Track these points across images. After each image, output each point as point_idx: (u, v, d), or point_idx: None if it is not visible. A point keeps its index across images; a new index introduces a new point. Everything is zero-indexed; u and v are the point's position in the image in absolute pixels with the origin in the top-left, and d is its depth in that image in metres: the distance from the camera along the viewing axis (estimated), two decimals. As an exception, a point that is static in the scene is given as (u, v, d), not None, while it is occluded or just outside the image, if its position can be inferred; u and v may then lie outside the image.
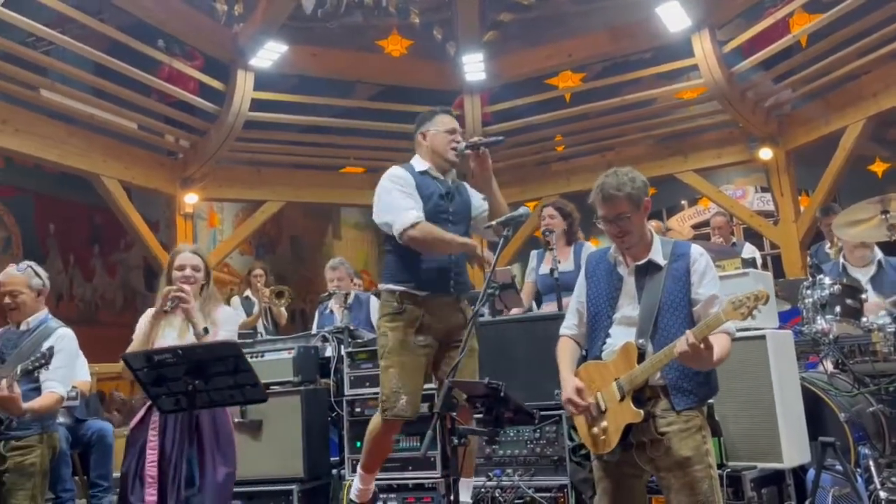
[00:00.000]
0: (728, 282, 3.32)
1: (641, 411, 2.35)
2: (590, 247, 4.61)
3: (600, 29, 8.73)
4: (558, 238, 4.48)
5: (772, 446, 3.30)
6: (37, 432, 3.26)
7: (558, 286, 4.09)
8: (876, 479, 3.35)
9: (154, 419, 3.01)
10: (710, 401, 3.09)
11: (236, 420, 3.75)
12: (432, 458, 3.73)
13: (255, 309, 6.73)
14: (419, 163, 3.25)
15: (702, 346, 2.23)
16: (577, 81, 9.43)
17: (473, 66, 8.72)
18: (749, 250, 6.12)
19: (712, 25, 7.72)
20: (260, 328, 6.71)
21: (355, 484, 3.38)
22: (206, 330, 3.09)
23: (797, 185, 8.53)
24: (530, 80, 9.25)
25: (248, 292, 6.96)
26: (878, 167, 10.51)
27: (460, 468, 2.50)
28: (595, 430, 2.45)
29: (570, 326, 2.70)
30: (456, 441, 2.46)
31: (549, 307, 4.42)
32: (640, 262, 2.53)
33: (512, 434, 3.66)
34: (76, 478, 5.09)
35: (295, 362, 4.32)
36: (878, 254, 4.37)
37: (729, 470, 3.24)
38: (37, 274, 3.52)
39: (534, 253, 4.78)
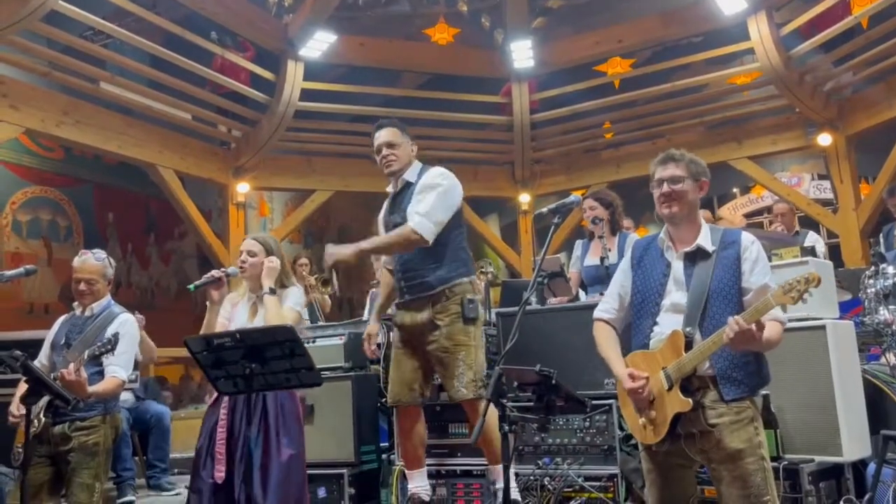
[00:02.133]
0: (786, 270, 3.24)
1: (690, 400, 2.31)
2: (634, 237, 4.55)
3: (651, 13, 8.56)
4: (604, 227, 4.42)
5: (831, 439, 3.21)
6: (100, 413, 3.38)
7: (608, 276, 4.03)
8: (941, 476, 3.23)
9: (226, 400, 3.11)
10: (766, 392, 3.04)
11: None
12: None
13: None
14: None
15: (753, 328, 2.19)
16: (627, 67, 9.28)
17: (522, 54, 8.65)
18: (813, 238, 5.95)
19: (770, 7, 7.49)
20: (305, 315, 6.81)
21: (409, 485, 3.56)
22: (272, 290, 3.26)
23: (857, 172, 8.24)
24: (579, 67, 9.13)
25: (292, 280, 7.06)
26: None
27: (510, 455, 2.50)
28: (643, 420, 2.42)
29: (608, 310, 2.65)
30: (507, 428, 2.46)
31: (594, 298, 4.37)
32: (688, 249, 2.48)
33: (561, 423, 3.65)
34: (136, 458, 5.28)
35: (346, 348, 4.38)
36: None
37: (786, 463, 3.16)
38: (110, 264, 3.66)
39: (579, 242, 4.73)
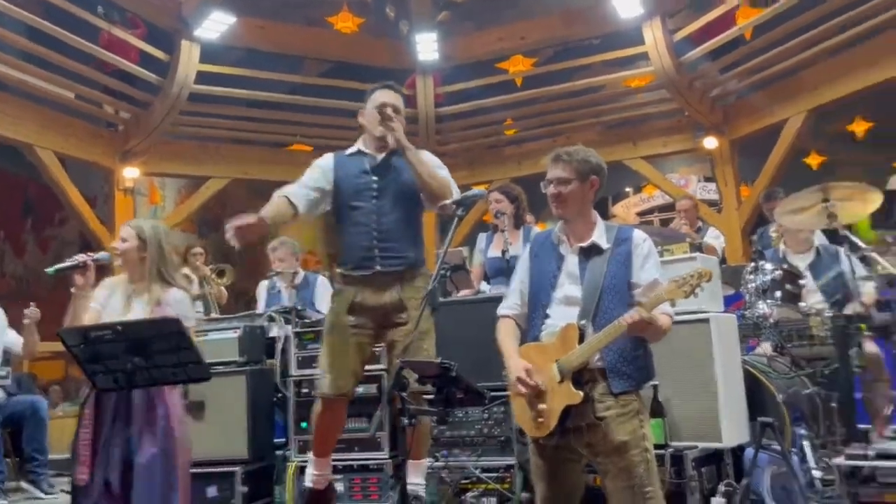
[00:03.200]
0: (676, 265, 3.37)
1: (581, 393, 2.35)
2: (538, 230, 4.63)
3: (553, 12, 8.75)
4: (507, 221, 4.48)
5: (713, 426, 3.38)
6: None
7: (509, 269, 4.09)
8: (810, 459, 3.47)
9: (94, 397, 2.88)
10: (655, 382, 3.17)
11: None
12: (379, 439, 3.70)
13: (194, 288, 6.56)
14: (357, 144, 3.30)
15: (654, 315, 2.28)
16: (529, 66, 9.44)
17: (427, 46, 8.62)
18: (713, 234, 6.31)
19: (664, 14, 7.81)
20: (199, 307, 6.53)
21: (309, 469, 3.34)
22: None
23: (740, 175, 8.75)
24: (483, 62, 9.21)
25: (185, 270, 6.76)
26: (814, 160, 10.85)
27: (409, 449, 2.47)
28: (533, 412, 2.44)
29: (511, 306, 2.68)
30: (406, 421, 2.43)
31: (496, 290, 4.43)
32: (583, 244, 2.55)
33: (460, 415, 3.66)
34: (8, 460, 4.90)
35: (240, 342, 4.23)
36: (818, 240, 4.50)
37: (672, 450, 3.30)
38: None
39: (482, 235, 4.77)
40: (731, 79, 8.15)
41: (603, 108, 9.07)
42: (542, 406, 2.43)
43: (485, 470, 3.57)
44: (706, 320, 3.43)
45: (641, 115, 9.06)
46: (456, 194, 3.13)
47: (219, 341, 4.23)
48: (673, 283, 2.28)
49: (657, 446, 2.82)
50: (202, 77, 7.97)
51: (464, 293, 4.40)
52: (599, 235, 2.55)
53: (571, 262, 2.55)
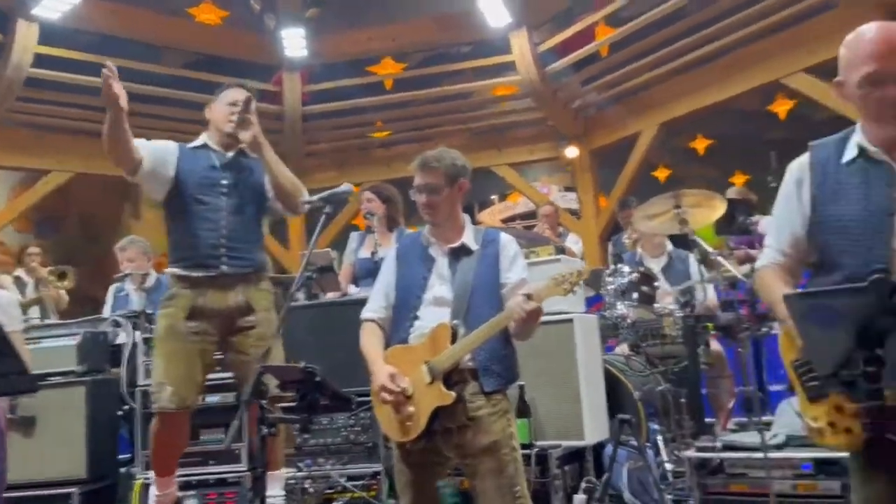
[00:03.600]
0: (541, 267, 3.43)
1: (453, 393, 2.32)
2: (410, 233, 4.58)
3: (425, 16, 8.79)
4: (379, 222, 4.38)
5: (575, 425, 3.47)
6: None
7: (378, 271, 3.99)
8: (663, 453, 3.64)
9: None
10: (522, 382, 3.20)
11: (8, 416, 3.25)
12: (237, 451, 3.48)
13: (29, 291, 5.95)
14: (202, 138, 3.16)
15: (541, 307, 2.27)
16: (399, 69, 9.42)
17: (294, 42, 8.37)
18: (573, 239, 6.60)
19: (530, 25, 8.04)
20: (36, 313, 5.93)
21: (152, 491, 3.07)
22: None
23: (598, 185, 9.18)
24: (354, 62, 9.09)
25: (19, 271, 6.13)
26: (661, 173, 11.60)
27: (268, 461, 2.32)
28: (400, 416, 2.38)
29: (376, 309, 2.61)
30: (266, 431, 2.27)
31: (365, 292, 4.32)
32: (453, 245, 2.53)
33: (325, 422, 3.52)
34: None
35: (79, 349, 3.84)
36: (669, 245, 4.77)
37: (537, 449, 3.34)
38: None
39: (354, 234, 4.65)
40: (590, 91, 8.54)
41: (471, 114, 9.23)
42: (409, 409, 2.36)
43: (351, 478, 3.45)
44: (570, 320, 3.51)
45: (508, 122, 9.29)
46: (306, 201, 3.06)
47: (54, 349, 3.82)
48: (552, 280, 2.29)
49: (523, 446, 2.83)
50: (43, 60, 7.27)
51: (331, 296, 4.25)
52: (469, 237, 2.55)
53: (442, 263, 2.53)
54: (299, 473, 3.43)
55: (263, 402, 2.33)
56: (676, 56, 7.54)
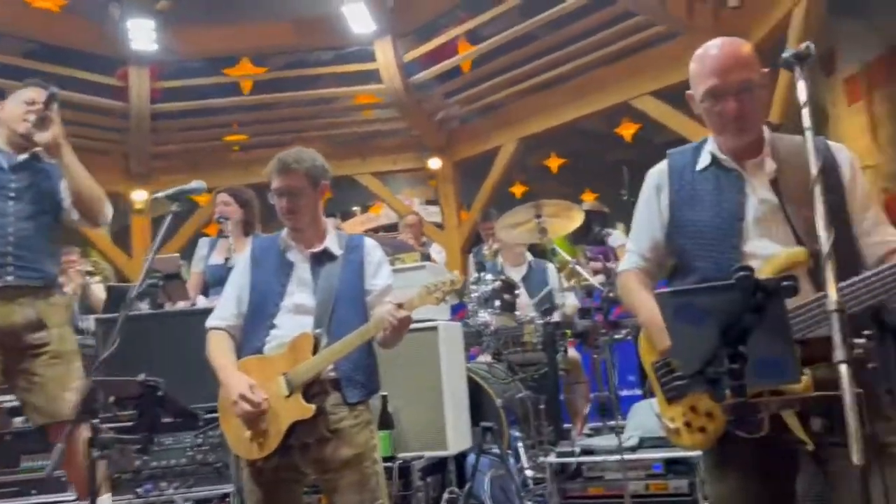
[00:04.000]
0: (407, 274, 3.36)
1: (313, 406, 2.18)
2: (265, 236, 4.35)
3: (286, 18, 8.51)
4: (234, 226, 4.13)
5: (439, 435, 3.40)
6: None
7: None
8: (524, 460, 3.67)
9: None
10: (384, 393, 3.10)
11: None
12: (63, 479, 3.11)
13: None
14: None
15: (412, 315, 2.19)
16: (259, 71, 9.06)
17: (142, 35, 7.78)
18: (436, 249, 6.63)
19: (395, 34, 8.01)
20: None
21: None
22: None
23: (461, 197, 9.31)
24: (211, 60, 8.63)
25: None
26: (518, 189, 12.00)
27: (99, 486, 2.06)
28: (252, 432, 2.21)
29: (225, 317, 2.42)
30: (97, 453, 2.01)
31: (216, 301, 4.04)
32: (315, 250, 2.41)
33: (169, 441, 3.22)
34: None
35: None
36: (529, 256, 4.88)
37: (400, 462, 3.25)
38: None
39: (203, 240, 4.35)
40: (453, 104, 8.65)
41: (333, 121, 9.05)
42: (263, 425, 2.19)
43: (198, 502, 3.18)
44: (434, 328, 3.45)
45: (371, 131, 9.21)
46: (109, 213, 2.87)
47: None
48: (424, 289, 2.22)
49: (385, 459, 2.75)
50: None
51: (178, 305, 3.94)
52: (332, 242, 2.43)
53: (302, 269, 2.40)
54: (137, 500, 3.12)
55: (95, 421, 2.07)
56: (532, 75, 7.82)
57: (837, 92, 8.02)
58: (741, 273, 1.13)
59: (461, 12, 7.90)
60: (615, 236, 5.18)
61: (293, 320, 2.32)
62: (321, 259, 2.40)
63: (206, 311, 3.48)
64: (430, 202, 11.34)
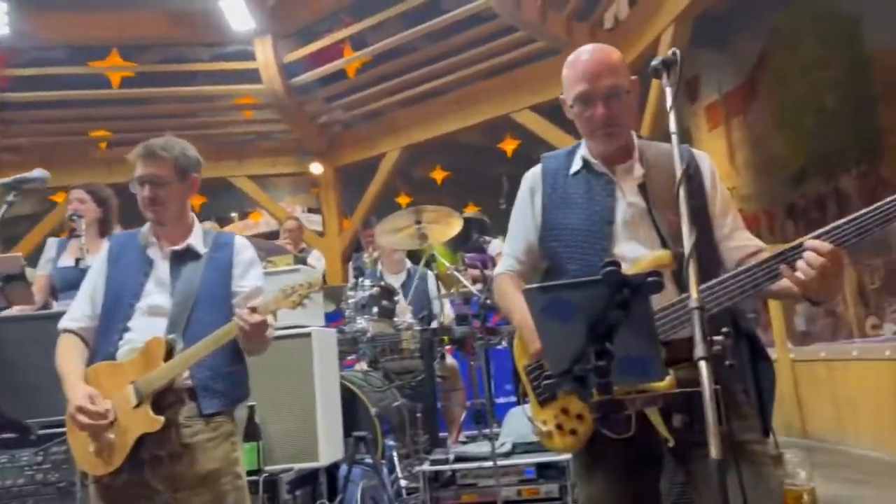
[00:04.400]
0: (279, 277, 3.21)
1: (161, 418, 2.00)
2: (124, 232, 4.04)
3: (160, 9, 8.05)
4: (88, 226, 3.80)
5: (310, 445, 3.26)
6: None
7: (84, 279, 3.45)
8: (398, 469, 3.59)
9: None
10: (252, 403, 2.93)
11: None
12: None
13: None
14: None
15: (269, 318, 2.03)
16: (128, 65, 8.53)
17: (-9, 15, 7.12)
18: (316, 256, 6.51)
19: (276, 33, 7.76)
20: None
21: None
22: None
23: (342, 206, 9.15)
24: (74, 50, 8.01)
25: None
26: (403, 200, 12.00)
27: None
28: (98, 445, 2.02)
29: (77, 318, 2.20)
30: None
31: (66, 305, 3.70)
32: (177, 248, 2.22)
33: (4, 460, 2.89)
34: None
35: None
36: (409, 262, 4.83)
37: (266, 475, 3.08)
38: None
39: (51, 241, 3.98)
40: (337, 108, 8.50)
41: (209, 120, 8.65)
42: (109, 437, 1.99)
43: (35, 526, 2.87)
44: (308, 335, 3.32)
45: (250, 132, 8.90)
46: None
47: None
48: (281, 292, 2.07)
49: (251, 472, 2.58)
50: None
51: (20, 308, 3.57)
52: (196, 239, 2.25)
53: (162, 267, 2.21)
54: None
55: None
56: (415, 84, 7.83)
57: (700, 117, 8.62)
58: (608, 268, 1.11)
59: (346, 16, 7.79)
60: (494, 244, 5.24)
61: (148, 323, 2.12)
62: (183, 257, 2.22)
63: (51, 316, 3.19)
64: (312, 210, 11.10)
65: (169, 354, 2.06)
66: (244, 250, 2.30)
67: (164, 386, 2.02)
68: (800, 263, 1.47)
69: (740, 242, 1.76)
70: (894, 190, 1.50)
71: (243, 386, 2.26)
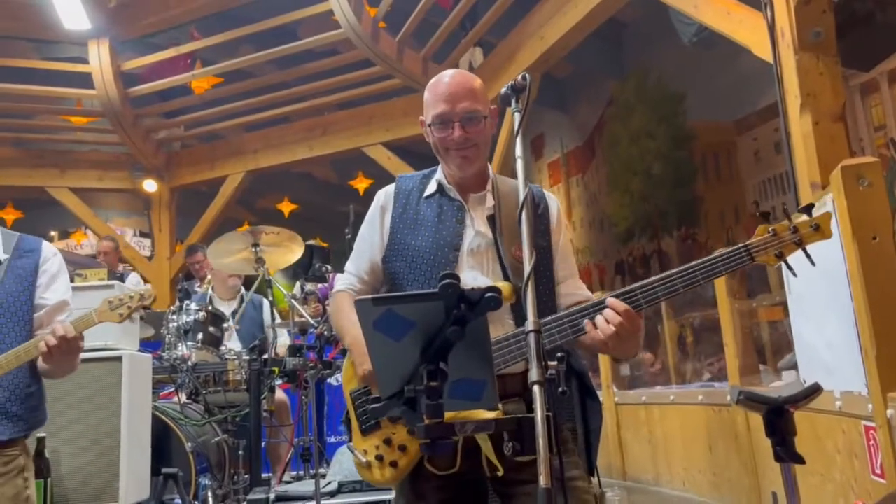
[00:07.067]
0: (90, 292, 2.87)
1: None
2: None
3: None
4: None
5: (109, 484, 2.91)
6: None
7: None
8: (213, 510, 3.29)
9: None
10: (41, 434, 2.58)
11: None
12: None
13: None
14: None
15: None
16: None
17: None
18: (135, 280, 6.11)
19: (113, 37, 7.20)
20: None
21: None
22: None
23: (176, 231, 8.58)
24: None
25: None
26: (245, 229, 11.59)
27: None
28: None
29: None
30: None
31: None
32: None
33: None
34: None
35: None
36: (243, 289, 4.56)
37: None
38: None
39: None
40: (178, 125, 8.03)
41: (28, 122, 7.82)
42: None
43: None
44: (118, 358, 2.98)
45: (76, 140, 8.16)
46: None
47: None
48: (107, 303, 1.87)
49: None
50: None
51: None
52: None
53: None
54: None
55: None
56: (263, 108, 7.58)
57: (543, 173, 9.11)
58: (446, 281, 1.05)
59: (195, 30, 7.42)
60: (340, 277, 5.08)
61: None
62: None
63: None
64: (144, 234, 10.32)
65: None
66: (53, 259, 2.09)
67: None
68: (598, 320, 1.50)
69: (570, 290, 1.78)
70: (709, 252, 1.57)
71: (41, 410, 2.02)
